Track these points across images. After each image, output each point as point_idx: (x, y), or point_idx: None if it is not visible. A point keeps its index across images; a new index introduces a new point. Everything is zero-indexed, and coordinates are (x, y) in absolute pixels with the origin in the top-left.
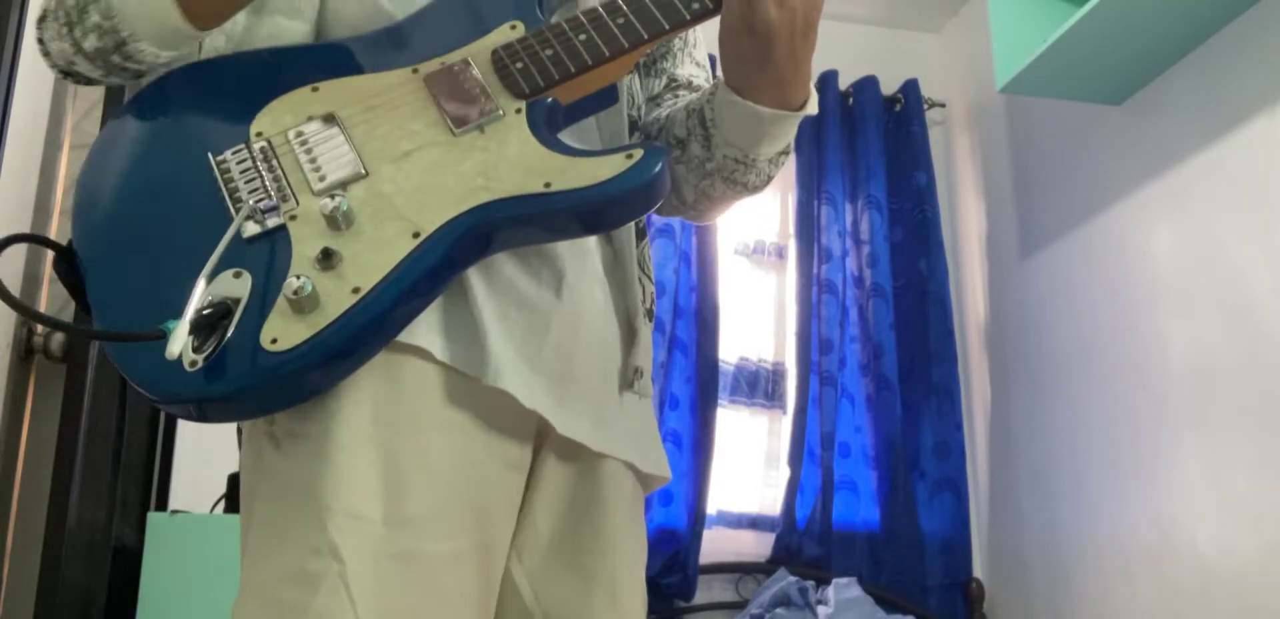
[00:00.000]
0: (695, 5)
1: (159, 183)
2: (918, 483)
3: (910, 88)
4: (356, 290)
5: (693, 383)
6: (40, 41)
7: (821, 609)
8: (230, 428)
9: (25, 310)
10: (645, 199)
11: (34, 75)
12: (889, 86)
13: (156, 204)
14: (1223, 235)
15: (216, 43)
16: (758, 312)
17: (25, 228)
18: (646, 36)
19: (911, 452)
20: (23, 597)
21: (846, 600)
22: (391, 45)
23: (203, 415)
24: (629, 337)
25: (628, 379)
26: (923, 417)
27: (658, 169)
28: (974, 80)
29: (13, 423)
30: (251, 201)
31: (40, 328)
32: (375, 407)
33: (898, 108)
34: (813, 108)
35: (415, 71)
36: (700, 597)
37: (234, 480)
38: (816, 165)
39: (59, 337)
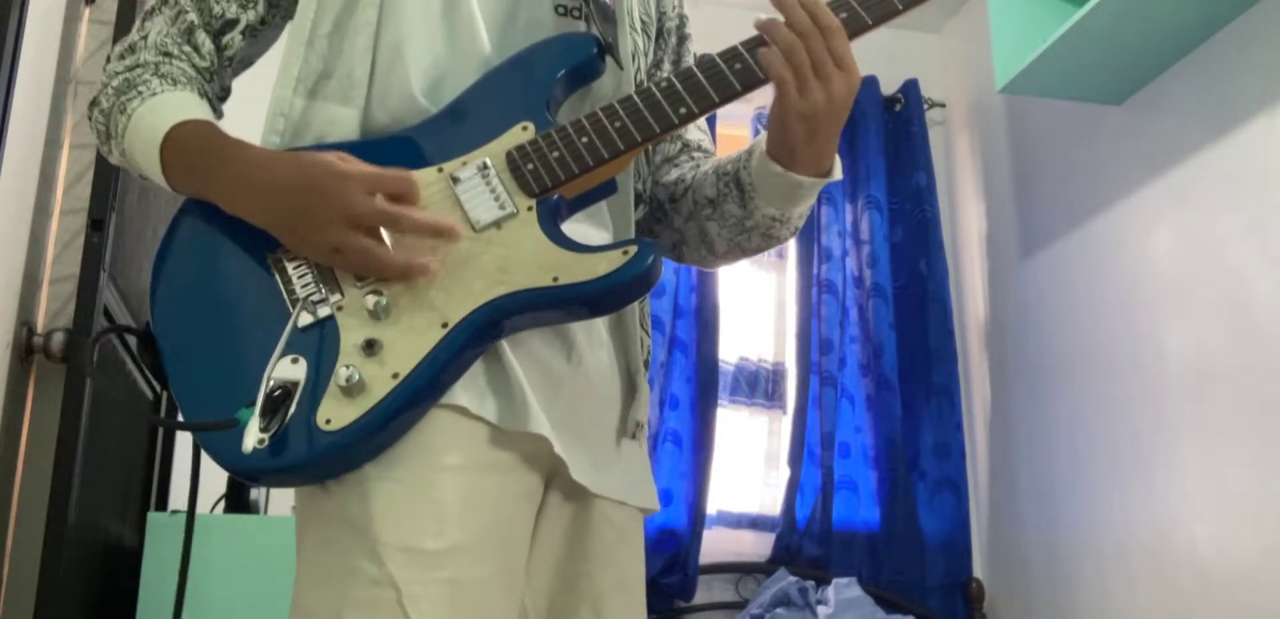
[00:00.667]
0: (682, 111)
1: (225, 276)
2: (918, 483)
3: (910, 88)
4: (396, 375)
5: (693, 383)
6: (90, 122)
7: (821, 609)
8: None
9: (130, 402)
10: (640, 287)
11: (34, 75)
12: (889, 86)
13: (223, 296)
14: (1223, 235)
15: (276, 126)
16: (758, 311)
17: (25, 228)
18: (640, 140)
19: (911, 452)
20: (23, 597)
21: (846, 600)
22: (422, 143)
23: (260, 482)
24: (629, 391)
25: (629, 429)
26: (923, 417)
27: (650, 262)
28: (974, 80)
29: (13, 423)
30: (304, 295)
31: (40, 328)
32: (418, 454)
33: (898, 108)
34: (837, 174)
35: (441, 171)
36: (700, 597)
37: (234, 480)
38: None
39: (59, 336)
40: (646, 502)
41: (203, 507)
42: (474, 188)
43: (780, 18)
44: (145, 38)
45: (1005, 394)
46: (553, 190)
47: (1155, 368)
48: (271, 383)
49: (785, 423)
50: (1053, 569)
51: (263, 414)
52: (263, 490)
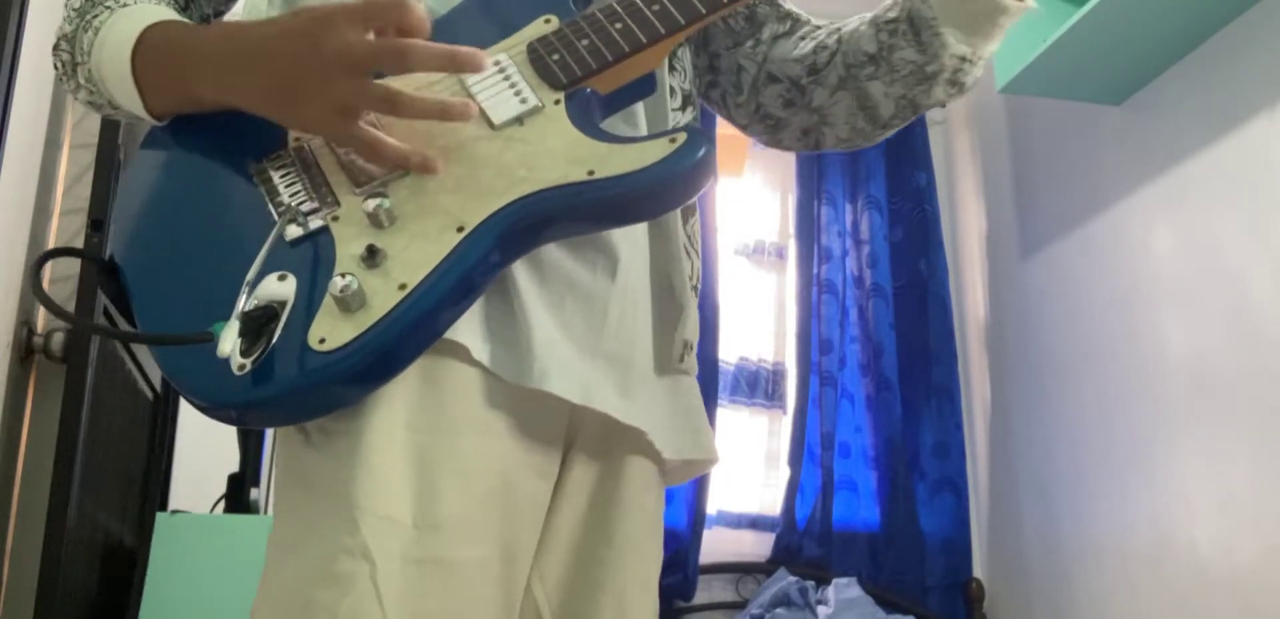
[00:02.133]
0: None
1: (200, 193)
2: (918, 483)
3: None
4: (403, 286)
5: None
6: (55, 66)
7: (821, 609)
8: (230, 432)
9: (66, 316)
10: (691, 183)
11: (34, 75)
12: None
13: (198, 214)
14: (1223, 235)
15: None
16: (758, 312)
17: (25, 229)
18: (684, 22)
19: (911, 452)
20: (23, 597)
21: (846, 600)
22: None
23: (244, 420)
24: (675, 311)
25: (676, 355)
26: (923, 417)
27: (701, 153)
28: None
29: (13, 423)
30: (292, 204)
31: (40, 328)
32: (410, 407)
33: None
34: (1032, 3)
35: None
36: (700, 597)
37: (234, 480)
38: (816, 165)
39: (59, 336)
40: (706, 452)
41: (203, 507)
42: (490, 85)
43: None
44: None
45: (1005, 394)
46: (583, 81)
47: (1155, 368)
48: (255, 300)
49: (785, 423)
50: (1053, 569)
51: (244, 335)
52: (263, 490)
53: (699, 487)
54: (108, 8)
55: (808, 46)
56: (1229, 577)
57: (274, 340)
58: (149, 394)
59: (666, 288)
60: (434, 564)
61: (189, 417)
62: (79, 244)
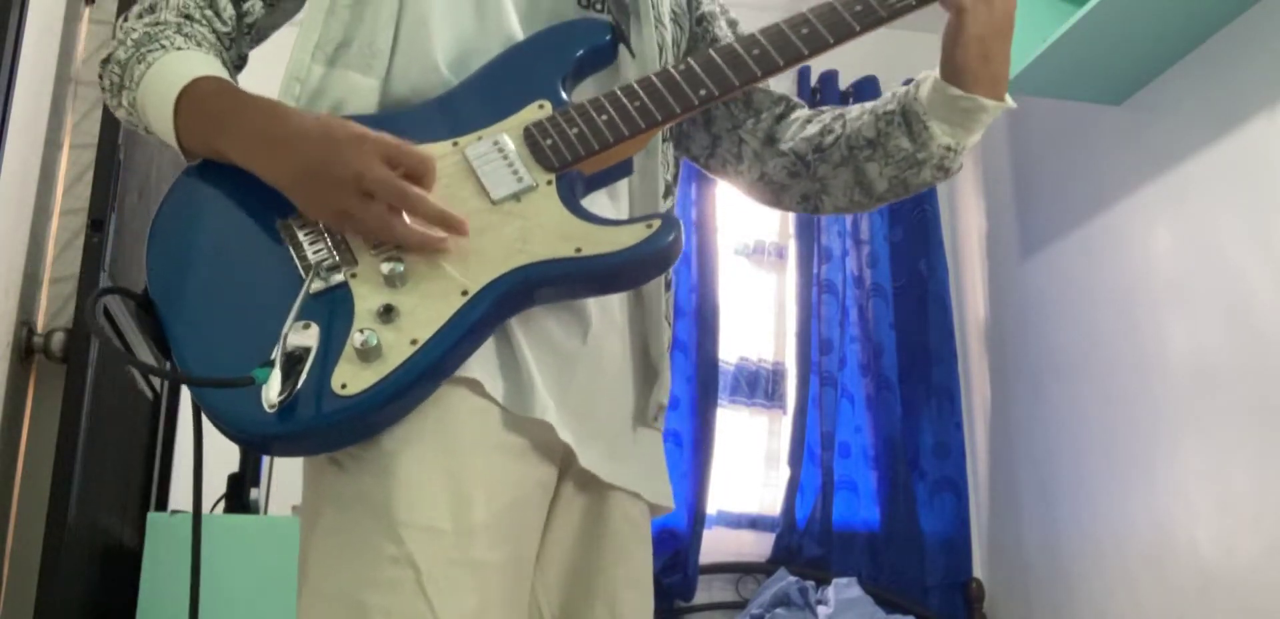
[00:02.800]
0: (702, 93)
1: (233, 243)
2: (918, 483)
3: None
4: (414, 341)
5: (693, 383)
6: (101, 81)
7: (821, 609)
8: None
9: (132, 361)
10: (662, 261)
11: (34, 75)
12: (889, 86)
13: (232, 263)
14: (1223, 235)
15: (292, 91)
16: (758, 312)
17: (25, 228)
18: (659, 119)
19: (911, 452)
20: (23, 597)
21: (846, 600)
22: (436, 118)
23: (269, 449)
24: (650, 375)
25: (649, 415)
26: (923, 417)
27: (671, 237)
28: None
29: (13, 423)
30: (316, 262)
31: (40, 328)
32: (435, 432)
33: None
34: (1012, 103)
35: (455, 144)
36: (700, 597)
37: (234, 480)
38: None
39: (59, 336)
40: (661, 499)
41: (202, 507)
42: (491, 161)
43: None
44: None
45: (1005, 394)
46: (573, 165)
47: (1155, 368)
48: (287, 344)
49: (785, 423)
50: (1053, 569)
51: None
52: (263, 491)
53: (699, 487)
54: (161, 47)
55: (814, 129)
56: (1229, 577)
57: (300, 384)
58: (149, 394)
59: (644, 352)
60: (471, 565)
61: (188, 417)
62: (79, 244)
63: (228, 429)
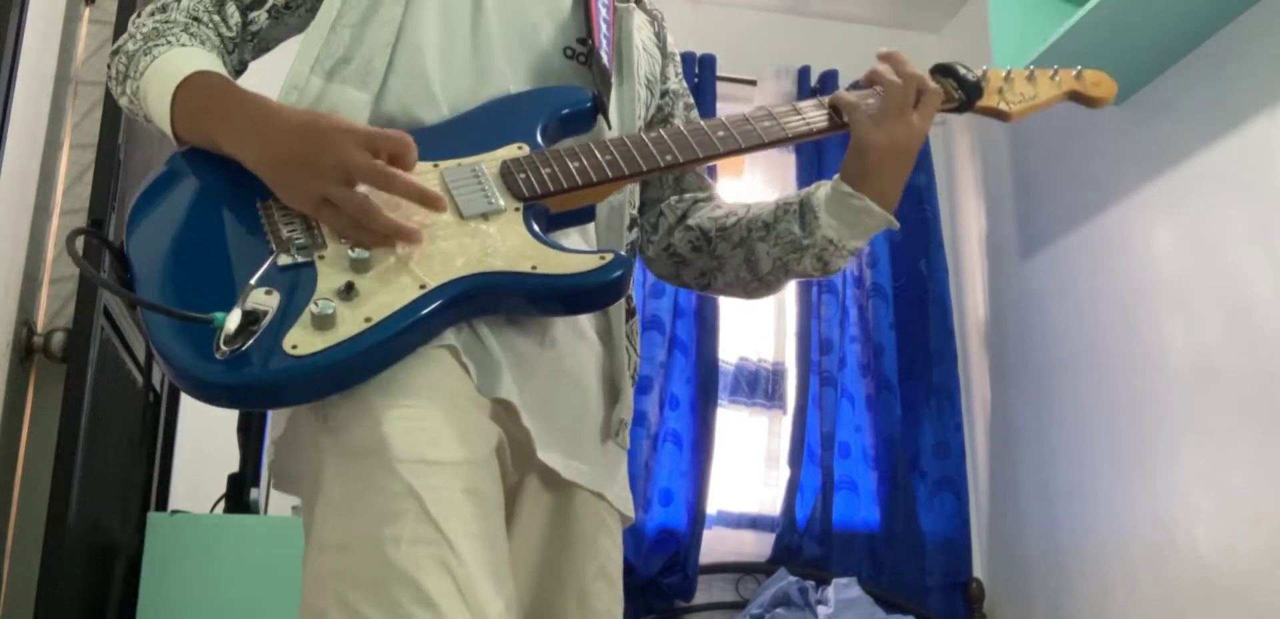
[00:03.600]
0: (667, 158)
1: (211, 214)
2: (918, 483)
3: None
4: (368, 319)
5: (693, 383)
6: (108, 70)
7: (821, 609)
8: (230, 432)
9: (97, 279)
10: (607, 293)
11: (34, 75)
12: None
13: (207, 230)
14: (1223, 235)
15: (289, 98)
16: (758, 311)
17: (25, 228)
18: (626, 173)
19: (911, 452)
20: (23, 597)
21: (846, 600)
22: (422, 142)
23: (214, 398)
24: (613, 394)
25: (612, 430)
26: (923, 417)
27: (619, 274)
28: None
29: (13, 423)
30: (288, 238)
31: (40, 328)
32: (423, 384)
33: None
34: (896, 224)
35: (436, 166)
36: (700, 597)
37: (234, 480)
38: (816, 165)
39: (59, 337)
40: (623, 506)
41: (203, 507)
42: (466, 183)
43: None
44: (178, 1)
45: (1005, 394)
46: (541, 198)
47: (1156, 368)
48: (248, 301)
49: (785, 423)
50: (1053, 569)
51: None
52: (263, 491)
53: (699, 487)
54: (168, 43)
55: (721, 211)
56: (1229, 576)
57: (252, 340)
58: (149, 394)
59: (608, 375)
60: (472, 494)
61: (189, 417)
62: (78, 244)
63: (176, 372)
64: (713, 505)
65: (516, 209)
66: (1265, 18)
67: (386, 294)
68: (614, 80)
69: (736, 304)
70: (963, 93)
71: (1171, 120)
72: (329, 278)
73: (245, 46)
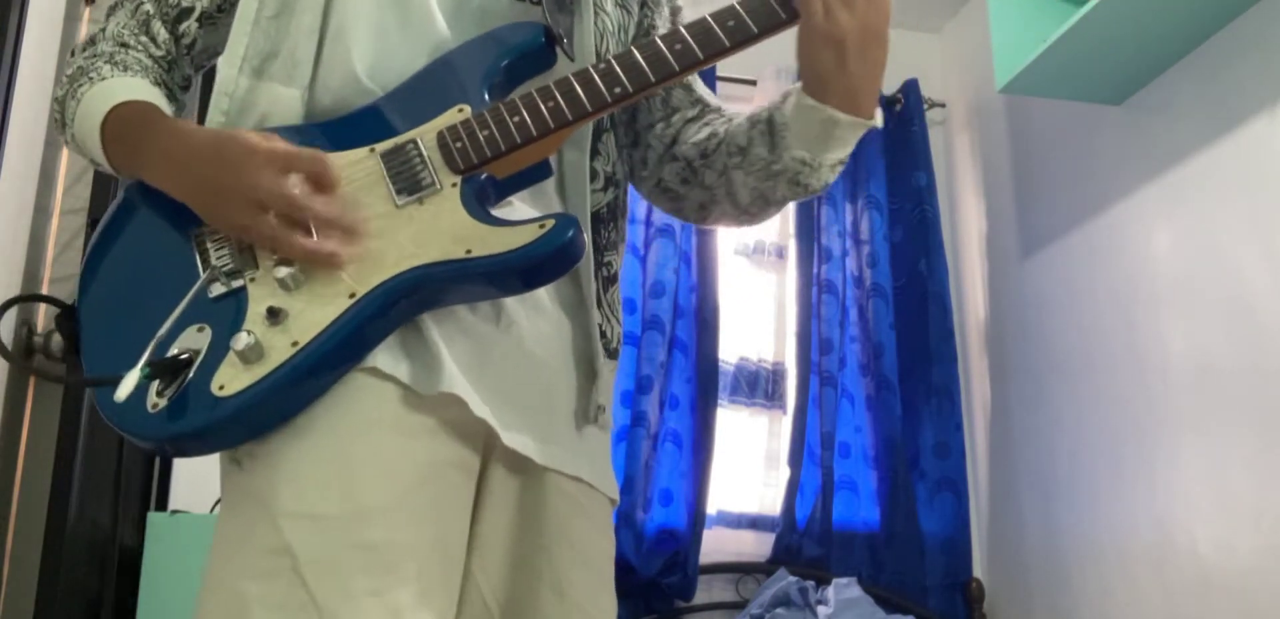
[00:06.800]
0: (616, 90)
1: (145, 252)
2: (918, 483)
3: (910, 87)
4: (295, 344)
5: (693, 383)
6: (53, 120)
7: (821, 609)
8: None
9: (28, 369)
10: (558, 263)
11: (34, 75)
12: (889, 86)
13: (139, 270)
14: (1223, 235)
15: (220, 106)
16: (758, 311)
17: (25, 229)
18: (571, 118)
19: (911, 452)
20: (23, 597)
21: (846, 600)
22: (359, 126)
23: (164, 450)
24: (589, 375)
25: (589, 414)
26: (923, 417)
27: (569, 236)
28: (974, 80)
29: (13, 423)
30: (217, 266)
31: (40, 329)
32: (332, 419)
33: (898, 108)
34: (878, 121)
35: (372, 151)
36: (700, 597)
37: None
38: None
39: (58, 338)
40: (605, 487)
41: (203, 507)
42: (402, 165)
43: None
44: (104, 30)
45: (1005, 394)
46: (479, 167)
47: (1155, 368)
48: (176, 347)
49: (785, 423)
50: (1053, 569)
51: (162, 376)
52: None
53: (699, 487)
54: (89, 79)
55: (703, 132)
56: (1229, 577)
57: (186, 384)
58: None
59: (583, 356)
60: (366, 547)
61: None
62: (79, 244)
63: (120, 429)
64: (713, 505)
65: (454, 185)
66: (1265, 18)
67: (315, 310)
68: (573, 5)
69: (736, 304)
70: None
71: (1171, 120)
72: (258, 302)
73: (182, 61)
